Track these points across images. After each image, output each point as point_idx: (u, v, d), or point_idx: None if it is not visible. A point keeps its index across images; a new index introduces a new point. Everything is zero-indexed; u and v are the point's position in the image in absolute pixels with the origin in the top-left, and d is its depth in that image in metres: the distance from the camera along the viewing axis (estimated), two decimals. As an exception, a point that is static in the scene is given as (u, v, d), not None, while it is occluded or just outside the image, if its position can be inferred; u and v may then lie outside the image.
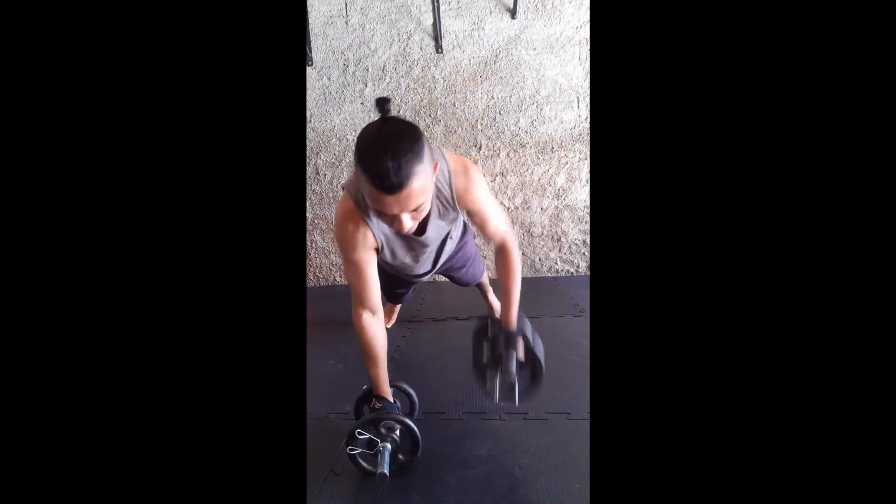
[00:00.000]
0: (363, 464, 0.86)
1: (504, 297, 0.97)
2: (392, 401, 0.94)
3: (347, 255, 0.89)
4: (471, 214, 0.95)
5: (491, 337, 0.89)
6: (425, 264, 1.14)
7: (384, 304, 1.07)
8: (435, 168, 0.76)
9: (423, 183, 0.69)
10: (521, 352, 0.87)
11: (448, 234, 1.05)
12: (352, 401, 1.01)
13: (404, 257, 1.00)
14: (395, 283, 1.30)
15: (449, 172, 0.88)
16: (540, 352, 0.87)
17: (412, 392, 1.05)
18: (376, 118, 0.72)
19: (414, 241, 0.96)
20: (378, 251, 0.92)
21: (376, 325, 0.93)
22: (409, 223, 0.74)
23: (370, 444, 0.84)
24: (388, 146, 0.66)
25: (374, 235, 0.89)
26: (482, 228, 0.95)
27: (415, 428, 0.86)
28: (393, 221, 0.74)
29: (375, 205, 0.71)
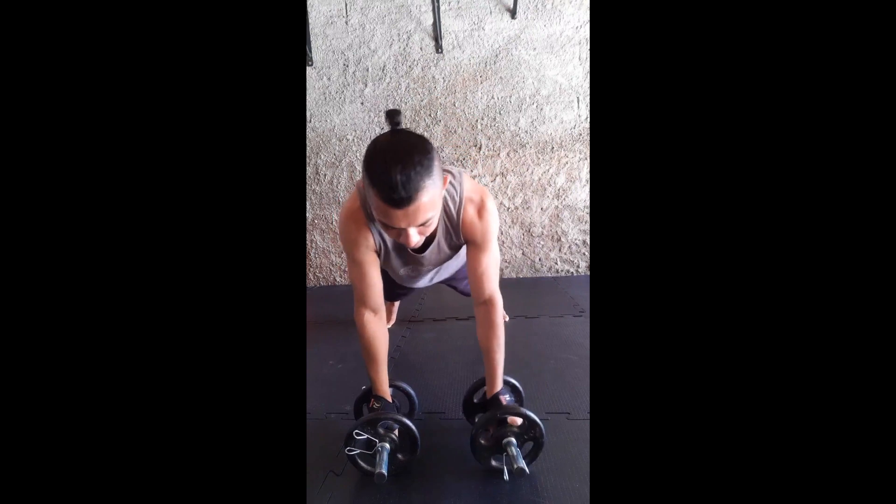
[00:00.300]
0: (362, 464, 0.86)
1: (488, 361, 0.91)
2: (391, 401, 0.94)
3: (350, 253, 0.89)
4: (468, 245, 0.91)
5: (486, 419, 0.87)
6: (422, 280, 1.12)
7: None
8: (445, 182, 0.74)
9: (431, 197, 0.68)
10: (517, 419, 0.85)
11: (449, 257, 0.99)
12: (352, 401, 1.01)
13: (399, 269, 0.98)
14: (395, 283, 1.30)
15: (461, 198, 0.85)
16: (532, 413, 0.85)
17: (412, 392, 1.05)
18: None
19: (411, 257, 0.93)
20: (378, 254, 0.92)
21: (377, 325, 0.92)
22: (415, 237, 0.72)
23: (368, 445, 0.84)
24: (398, 159, 0.65)
25: (373, 239, 0.88)
26: (472, 266, 0.89)
27: (413, 427, 0.86)
28: (400, 235, 0.72)
29: (383, 218, 0.70)
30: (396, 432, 0.86)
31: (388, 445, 0.84)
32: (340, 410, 1.11)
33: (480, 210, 0.86)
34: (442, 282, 1.30)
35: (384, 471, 0.80)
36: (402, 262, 0.95)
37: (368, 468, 0.84)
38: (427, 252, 0.92)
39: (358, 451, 0.85)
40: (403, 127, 0.73)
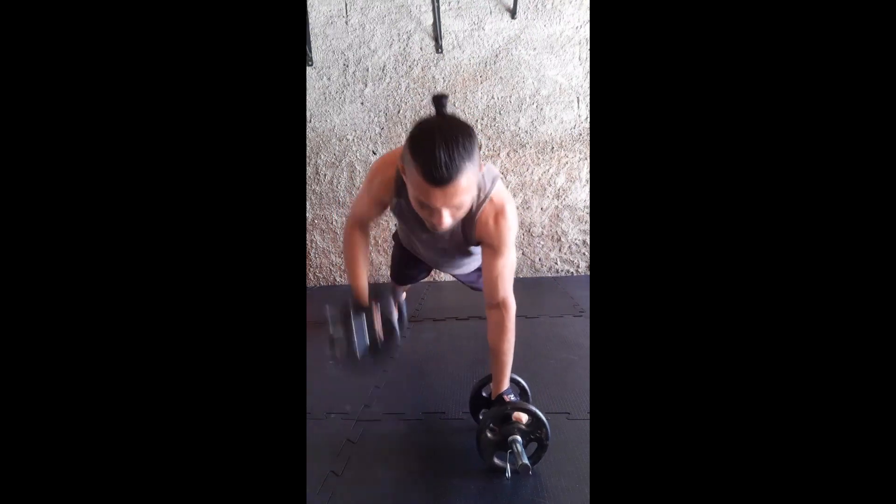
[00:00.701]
0: (338, 355, 0.85)
1: (497, 363, 0.91)
2: (369, 304, 0.92)
3: (369, 190, 0.92)
4: (483, 247, 0.90)
5: (494, 414, 0.87)
6: (435, 260, 1.12)
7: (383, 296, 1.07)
8: (480, 168, 0.76)
9: (469, 181, 0.70)
10: (523, 417, 0.85)
11: (461, 245, 0.98)
12: (352, 401, 1.01)
13: (409, 234, 1.01)
14: (409, 261, 1.27)
15: (485, 196, 0.86)
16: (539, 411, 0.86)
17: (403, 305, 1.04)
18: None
19: (424, 229, 0.93)
20: (390, 207, 0.94)
21: (362, 237, 0.98)
22: (447, 220, 0.73)
23: (346, 339, 0.83)
24: (444, 138, 0.66)
25: (390, 200, 0.90)
26: (487, 268, 0.90)
27: (391, 314, 0.86)
28: (432, 214, 0.73)
29: (420, 195, 0.71)
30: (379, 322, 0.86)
31: (364, 329, 0.84)
32: (341, 410, 1.11)
33: (498, 215, 0.86)
34: (460, 278, 1.30)
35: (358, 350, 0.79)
36: (420, 227, 0.93)
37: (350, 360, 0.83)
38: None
39: (336, 344, 0.83)
40: (446, 113, 0.73)
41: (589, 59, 2.19)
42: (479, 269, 1.25)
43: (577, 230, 2.35)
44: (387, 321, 0.88)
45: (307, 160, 2.36)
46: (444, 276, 2.31)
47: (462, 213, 0.76)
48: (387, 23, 2.24)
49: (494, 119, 2.27)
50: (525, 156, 2.29)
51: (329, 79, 2.30)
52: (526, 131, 2.27)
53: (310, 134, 2.34)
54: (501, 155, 2.29)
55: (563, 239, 2.36)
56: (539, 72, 2.22)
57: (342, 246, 1.00)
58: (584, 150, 2.27)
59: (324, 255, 2.47)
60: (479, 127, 2.27)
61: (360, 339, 0.83)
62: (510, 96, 2.24)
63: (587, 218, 2.33)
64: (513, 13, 2.17)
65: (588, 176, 2.29)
